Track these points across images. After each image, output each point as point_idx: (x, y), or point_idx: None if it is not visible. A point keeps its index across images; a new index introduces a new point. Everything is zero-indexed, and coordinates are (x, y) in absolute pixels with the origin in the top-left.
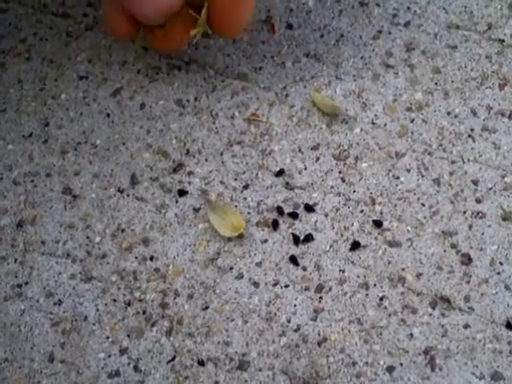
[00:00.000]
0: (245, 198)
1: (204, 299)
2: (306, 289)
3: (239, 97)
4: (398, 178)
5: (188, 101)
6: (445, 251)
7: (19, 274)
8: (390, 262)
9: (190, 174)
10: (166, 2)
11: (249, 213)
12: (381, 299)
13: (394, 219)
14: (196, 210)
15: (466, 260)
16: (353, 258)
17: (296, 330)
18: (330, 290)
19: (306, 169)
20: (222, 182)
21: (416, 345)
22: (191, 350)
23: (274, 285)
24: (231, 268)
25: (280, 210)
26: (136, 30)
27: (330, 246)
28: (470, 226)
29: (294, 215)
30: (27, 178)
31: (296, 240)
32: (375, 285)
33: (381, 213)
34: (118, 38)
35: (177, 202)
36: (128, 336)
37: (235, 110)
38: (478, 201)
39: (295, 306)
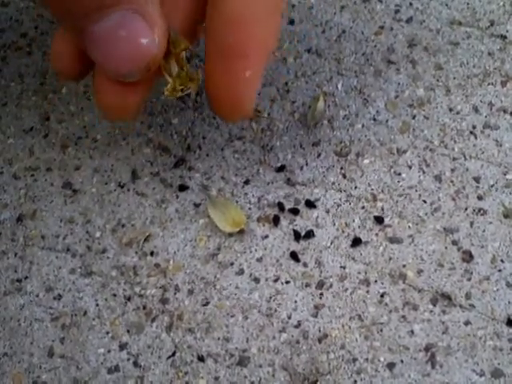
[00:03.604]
0: (245, 194)
1: (204, 295)
2: (307, 285)
3: None
4: (399, 174)
5: (189, 96)
6: (446, 248)
7: (19, 268)
8: (390, 259)
9: (190, 169)
10: (149, 51)
11: (249, 208)
12: (381, 296)
13: (395, 216)
14: (196, 205)
15: (467, 257)
16: (354, 255)
17: (296, 326)
18: (331, 286)
19: (307, 165)
20: (222, 178)
21: (417, 341)
22: (191, 346)
23: (275, 281)
24: (232, 263)
25: (281, 206)
26: (84, 73)
27: (331, 242)
28: (472, 223)
29: (294, 211)
30: (27, 172)
31: (297, 236)
32: (376, 281)
33: (382, 209)
34: (62, 78)
35: (177, 197)
36: (128, 331)
37: None
38: (480, 198)
39: (296, 302)
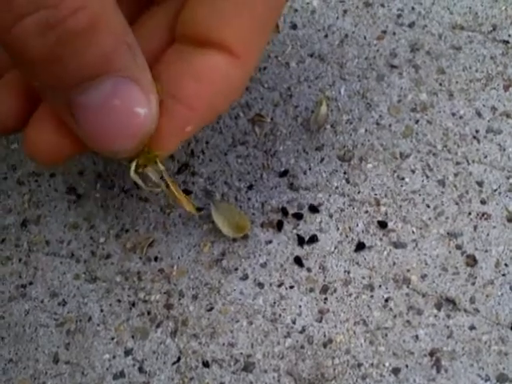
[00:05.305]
0: (249, 199)
1: (209, 300)
2: (311, 290)
3: (243, 97)
4: (402, 178)
5: None
6: (450, 252)
7: (23, 274)
8: (394, 263)
9: (194, 174)
10: (146, 122)
11: (253, 213)
12: (386, 300)
13: (399, 220)
14: (200, 210)
15: (471, 261)
16: (358, 259)
17: (301, 332)
18: (335, 291)
19: (310, 169)
20: (226, 183)
21: (421, 346)
22: (196, 351)
23: (279, 286)
24: (236, 269)
25: (284, 211)
26: (65, 155)
27: (335, 247)
28: (475, 228)
29: (298, 216)
30: (31, 177)
31: (300, 241)
32: (380, 286)
33: (385, 214)
34: (39, 161)
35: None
36: (133, 337)
37: (239, 110)
38: (483, 202)
39: (300, 307)
